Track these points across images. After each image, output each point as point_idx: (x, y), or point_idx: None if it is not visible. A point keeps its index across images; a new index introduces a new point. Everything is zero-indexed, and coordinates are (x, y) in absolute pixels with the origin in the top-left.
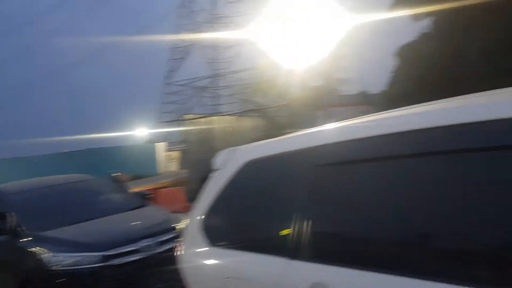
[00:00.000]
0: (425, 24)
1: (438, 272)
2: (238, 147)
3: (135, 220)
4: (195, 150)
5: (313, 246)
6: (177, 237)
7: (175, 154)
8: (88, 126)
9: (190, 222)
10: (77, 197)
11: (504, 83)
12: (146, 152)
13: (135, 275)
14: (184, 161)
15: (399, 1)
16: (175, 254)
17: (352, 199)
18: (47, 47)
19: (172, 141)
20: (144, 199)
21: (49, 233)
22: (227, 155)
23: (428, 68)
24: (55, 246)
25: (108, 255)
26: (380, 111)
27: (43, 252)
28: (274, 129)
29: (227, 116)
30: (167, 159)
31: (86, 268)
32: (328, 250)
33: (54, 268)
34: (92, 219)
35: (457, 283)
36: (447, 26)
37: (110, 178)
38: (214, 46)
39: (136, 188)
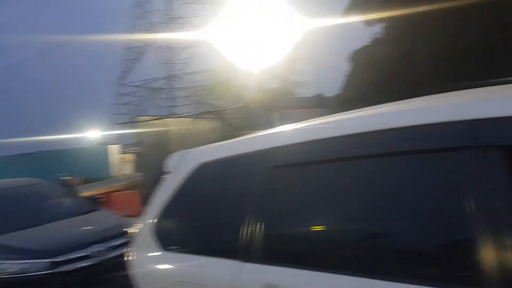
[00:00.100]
0: (377, 30)
1: (387, 271)
2: (191, 149)
3: (86, 225)
4: (149, 152)
5: (266, 248)
6: (129, 242)
7: (129, 156)
8: (39, 128)
9: (142, 226)
10: (26, 201)
11: (451, 88)
12: (98, 155)
13: (85, 282)
14: (139, 163)
15: (353, 6)
16: (126, 259)
17: (305, 201)
18: None
19: (126, 143)
20: (95, 203)
21: None
22: (180, 158)
23: (380, 73)
24: (0, 253)
25: (57, 262)
26: (334, 114)
27: None
28: (230, 131)
29: (182, 118)
30: (120, 162)
31: (33, 275)
32: (281, 251)
33: None
34: (40, 224)
35: (404, 281)
36: (397, 32)
37: (60, 182)
38: (169, 47)
39: (87, 192)
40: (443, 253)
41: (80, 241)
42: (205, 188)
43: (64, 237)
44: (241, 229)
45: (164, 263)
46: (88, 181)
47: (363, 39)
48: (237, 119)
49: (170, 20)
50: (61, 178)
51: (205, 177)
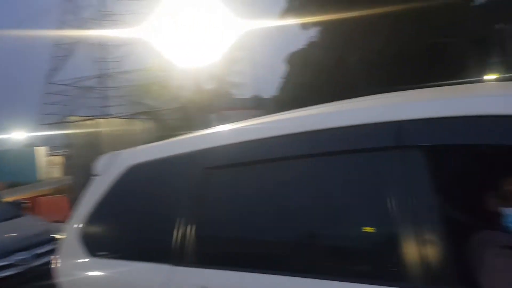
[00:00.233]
0: (313, 33)
1: (318, 269)
2: (120, 151)
3: (8, 232)
4: (80, 154)
5: (200, 250)
6: (56, 248)
7: (58, 159)
8: None
9: (68, 232)
10: None
11: (382, 90)
12: (24, 157)
13: None
14: (68, 166)
15: (289, 9)
16: (52, 267)
17: (238, 202)
18: None
19: (54, 145)
20: (19, 208)
21: None
22: (109, 160)
23: (315, 75)
24: None
25: None
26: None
27: None
28: (166, 132)
29: (115, 119)
30: (48, 165)
31: None
32: (214, 254)
33: None
34: None
35: (334, 279)
36: (331, 36)
37: None
38: (102, 45)
39: (11, 197)
40: (371, 251)
41: (2, 249)
42: (136, 190)
43: None
44: (173, 232)
45: (92, 270)
46: (13, 185)
47: (300, 42)
48: (173, 120)
49: (102, 17)
50: None
51: (136, 179)
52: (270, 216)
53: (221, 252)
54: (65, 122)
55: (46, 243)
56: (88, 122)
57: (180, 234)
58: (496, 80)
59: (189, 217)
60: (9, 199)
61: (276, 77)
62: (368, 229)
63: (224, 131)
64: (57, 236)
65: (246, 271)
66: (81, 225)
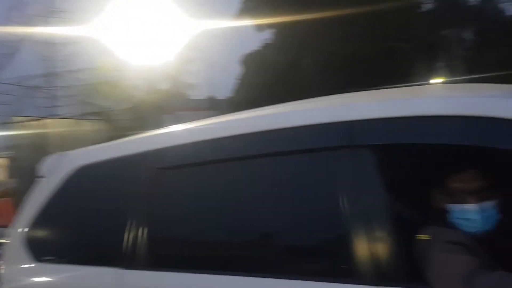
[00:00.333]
0: (268, 35)
1: (273, 269)
2: (68, 151)
3: None
4: (25, 156)
5: (151, 253)
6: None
7: (2, 161)
8: None
9: (12, 236)
10: None
11: (336, 91)
12: None
13: None
14: (12, 169)
15: (244, 11)
16: None
17: (191, 202)
18: None
19: None
20: None
21: None
22: (55, 161)
23: (270, 77)
24: None
25: None
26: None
27: None
28: (117, 133)
29: (64, 119)
30: None
31: None
32: (166, 256)
33: None
34: None
35: (289, 278)
36: (286, 38)
37: None
38: (49, 42)
39: None
40: (322, 249)
41: None
42: (85, 192)
43: None
44: (124, 234)
45: (37, 276)
46: None
47: (255, 43)
48: (125, 120)
49: (50, 13)
50: None
51: (84, 181)
52: (222, 216)
53: (174, 254)
54: (10, 123)
55: None
56: (34, 122)
57: (131, 236)
58: (442, 83)
59: (140, 219)
60: None
61: (231, 78)
62: (319, 227)
63: (177, 131)
64: (1, 241)
65: (200, 273)
66: (26, 229)
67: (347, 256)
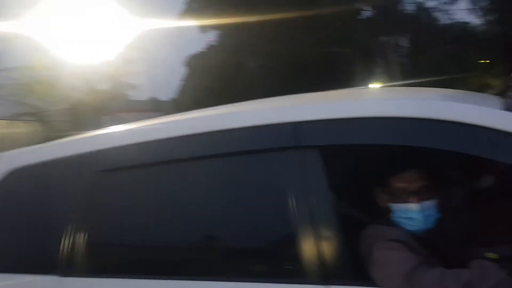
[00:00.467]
0: (212, 37)
1: (222, 271)
2: (0, 153)
3: None
4: None
5: (90, 259)
6: None
7: None
8: None
9: None
10: None
11: (281, 92)
12: None
13: None
14: None
15: (188, 12)
16: None
17: (133, 206)
18: None
19: None
20: None
21: None
22: None
23: (215, 78)
24: None
25: None
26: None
27: None
28: (54, 134)
29: None
30: None
31: None
32: (106, 261)
33: None
34: None
35: (238, 280)
36: (230, 40)
37: None
38: None
39: None
40: (268, 249)
41: None
42: (17, 197)
43: None
44: (61, 240)
45: None
46: None
47: (199, 45)
48: (61, 121)
49: None
50: None
51: (18, 184)
52: (164, 219)
53: (114, 260)
54: None
55: None
56: None
57: (69, 242)
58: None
59: (79, 224)
60: None
61: (175, 79)
62: (265, 228)
63: (117, 133)
64: None
65: (141, 278)
66: None
67: (292, 256)
